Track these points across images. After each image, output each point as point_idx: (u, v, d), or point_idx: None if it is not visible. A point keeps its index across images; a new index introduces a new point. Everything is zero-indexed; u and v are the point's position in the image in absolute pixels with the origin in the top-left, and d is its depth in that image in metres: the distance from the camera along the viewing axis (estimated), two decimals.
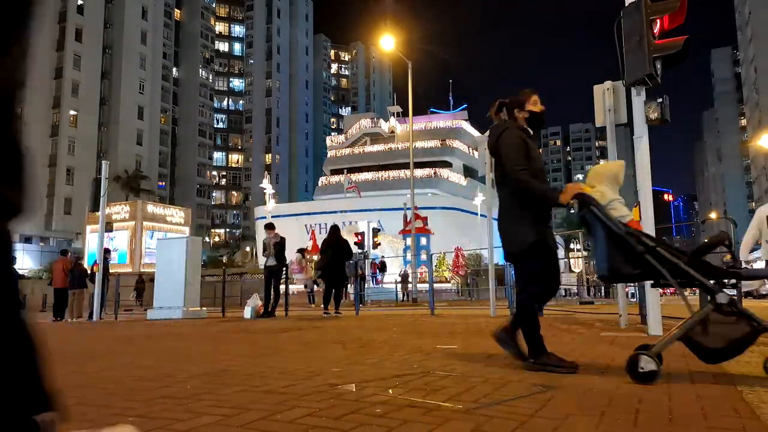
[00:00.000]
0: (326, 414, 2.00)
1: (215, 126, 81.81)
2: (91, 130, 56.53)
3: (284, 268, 11.79)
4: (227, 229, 79.63)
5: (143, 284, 25.38)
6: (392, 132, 53.34)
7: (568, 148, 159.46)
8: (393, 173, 47.26)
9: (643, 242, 2.76)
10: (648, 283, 5.46)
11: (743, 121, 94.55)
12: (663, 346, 2.69)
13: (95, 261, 14.18)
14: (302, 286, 20.46)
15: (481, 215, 34.05)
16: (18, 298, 0.96)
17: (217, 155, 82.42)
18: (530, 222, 3.17)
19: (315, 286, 18.26)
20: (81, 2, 56.63)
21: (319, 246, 13.01)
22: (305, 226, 40.38)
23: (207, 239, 69.20)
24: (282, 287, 12.09)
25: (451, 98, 68.36)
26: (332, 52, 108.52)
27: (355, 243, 25.25)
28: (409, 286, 23.97)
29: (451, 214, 40.17)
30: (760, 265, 7.79)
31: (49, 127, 53.37)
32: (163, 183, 69.83)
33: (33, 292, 30.12)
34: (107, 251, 15.74)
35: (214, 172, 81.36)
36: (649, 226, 5.28)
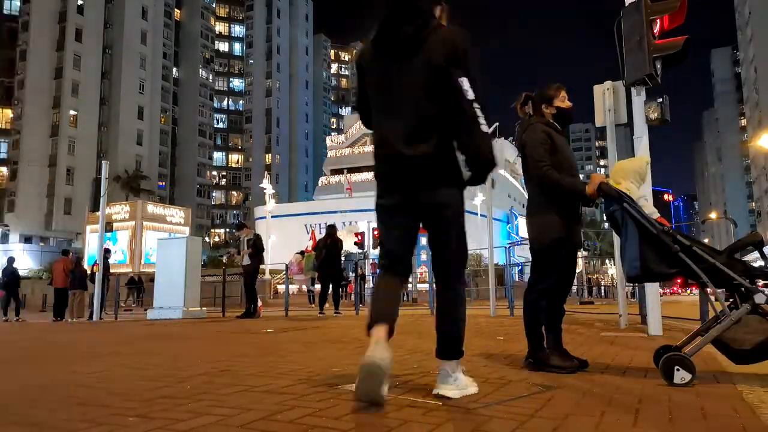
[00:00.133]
0: (326, 414, 2.00)
1: (215, 126, 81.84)
2: (91, 130, 56.56)
3: (259, 266, 11.11)
4: (227, 229, 79.66)
5: (141, 284, 25.13)
6: None
7: None
8: None
9: (678, 241, 2.68)
10: (648, 284, 5.49)
11: (743, 121, 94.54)
12: (697, 350, 2.64)
13: (95, 261, 14.17)
14: (302, 287, 20.47)
15: (481, 215, 34.01)
16: None
17: (217, 155, 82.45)
18: (556, 217, 3.11)
19: (313, 285, 18.28)
20: (81, 2, 56.65)
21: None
22: (305, 226, 40.41)
23: (207, 239, 69.22)
24: (282, 287, 12.04)
25: None
26: (332, 52, 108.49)
27: (355, 243, 25.25)
28: (409, 286, 23.99)
29: None
30: None
31: (49, 127, 53.41)
32: (163, 183, 69.86)
33: (33, 292, 30.14)
34: (107, 250, 15.71)
35: (214, 172, 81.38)
36: None
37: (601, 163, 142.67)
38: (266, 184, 36.53)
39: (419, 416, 1.97)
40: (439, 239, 2.31)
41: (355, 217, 36.84)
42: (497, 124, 42.35)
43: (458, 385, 2.27)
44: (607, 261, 55.64)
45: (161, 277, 11.52)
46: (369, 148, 52.56)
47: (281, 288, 22.28)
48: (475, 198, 38.84)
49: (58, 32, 54.95)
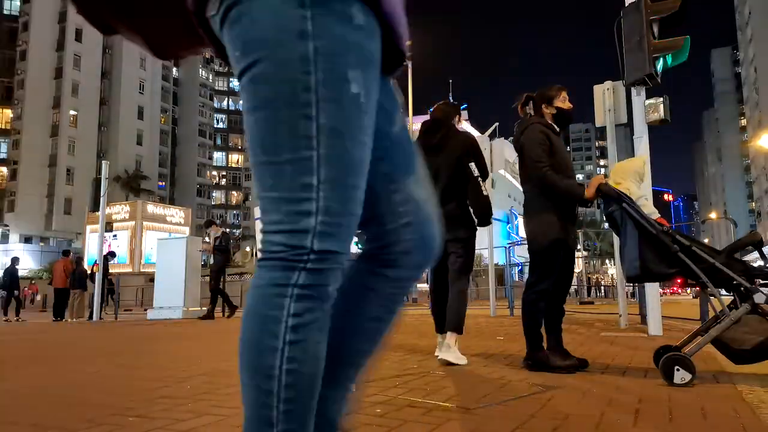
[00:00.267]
0: None
1: (215, 126, 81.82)
2: (91, 130, 56.54)
3: (224, 266, 10.64)
4: (227, 229, 79.65)
5: (111, 285, 24.70)
6: None
7: (568, 148, 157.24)
8: None
9: (678, 241, 2.69)
10: (648, 284, 5.49)
11: (743, 121, 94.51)
12: (697, 350, 2.63)
13: (95, 261, 14.16)
14: None
15: None
16: None
17: (217, 155, 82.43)
18: (554, 218, 3.12)
19: None
20: None
21: None
22: None
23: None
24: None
25: (451, 98, 68.40)
26: None
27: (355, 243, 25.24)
28: None
29: None
30: None
31: (49, 127, 53.38)
32: (163, 183, 69.85)
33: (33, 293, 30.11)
34: (112, 254, 15.68)
35: (214, 172, 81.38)
36: None
37: (601, 163, 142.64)
38: None
39: (419, 416, 1.97)
40: (456, 259, 3.50)
41: None
42: (497, 124, 42.20)
43: (455, 355, 3.32)
44: (607, 261, 55.61)
45: (161, 277, 11.54)
46: None
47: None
48: None
49: (58, 32, 54.90)
